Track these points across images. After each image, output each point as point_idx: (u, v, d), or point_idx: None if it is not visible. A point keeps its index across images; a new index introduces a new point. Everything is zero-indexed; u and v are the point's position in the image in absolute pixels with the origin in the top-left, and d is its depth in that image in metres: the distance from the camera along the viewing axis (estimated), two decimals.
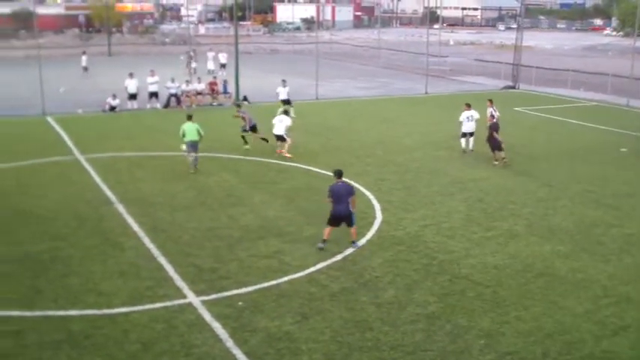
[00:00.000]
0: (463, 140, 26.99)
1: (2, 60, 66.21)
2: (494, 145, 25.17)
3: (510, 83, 50.58)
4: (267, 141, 26.50)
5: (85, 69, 54.15)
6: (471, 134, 26.82)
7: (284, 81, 35.23)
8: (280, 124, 25.89)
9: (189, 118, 23.71)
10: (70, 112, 35.80)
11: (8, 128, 31.09)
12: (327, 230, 16.30)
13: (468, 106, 26.97)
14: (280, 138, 26.01)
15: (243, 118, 26.84)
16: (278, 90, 34.85)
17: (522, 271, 15.22)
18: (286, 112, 27.13)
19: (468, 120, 26.63)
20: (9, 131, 30.36)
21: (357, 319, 12.88)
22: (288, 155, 25.62)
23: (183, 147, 24.23)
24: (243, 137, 26.78)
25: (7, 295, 13.72)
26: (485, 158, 25.66)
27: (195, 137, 23.23)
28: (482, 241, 17.18)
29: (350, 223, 16.33)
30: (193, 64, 51.44)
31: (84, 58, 54.94)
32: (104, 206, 19.64)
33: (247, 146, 26.57)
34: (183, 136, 23.17)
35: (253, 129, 26.91)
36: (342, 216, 16.16)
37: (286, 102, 33.63)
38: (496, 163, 24.99)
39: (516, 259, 15.96)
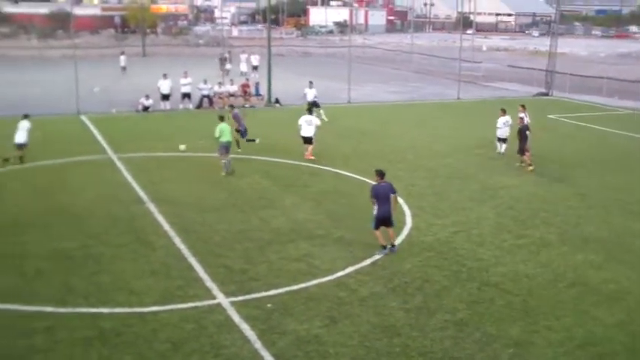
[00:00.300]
0: (498, 144, 27.37)
1: (39, 59, 67.21)
2: (520, 148, 25.27)
3: (543, 90, 50.15)
4: (239, 146, 26.43)
5: (124, 69, 54.74)
6: (504, 140, 26.90)
7: (311, 82, 35.26)
8: (309, 126, 25.72)
9: (222, 119, 23.82)
10: (104, 111, 36.23)
11: (44, 126, 31.38)
12: (378, 235, 16.23)
13: (504, 112, 27.07)
14: (308, 140, 25.89)
15: (235, 120, 26.73)
16: (305, 91, 34.89)
17: (554, 281, 15.07)
18: (310, 112, 26.90)
19: (505, 125, 26.89)
20: (45, 129, 30.66)
21: (386, 324, 12.86)
22: (312, 157, 25.64)
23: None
24: (237, 142, 26.34)
25: (41, 291, 13.92)
26: (519, 166, 25.49)
27: (230, 138, 23.36)
28: (512, 249, 17.04)
29: (390, 224, 16.32)
30: (228, 66, 51.84)
31: (122, 58, 55.64)
32: (136, 205, 19.84)
33: (239, 150, 26.38)
34: (219, 137, 23.23)
35: (238, 132, 26.70)
36: (385, 217, 16.14)
37: (314, 104, 33.41)
38: (531, 168, 24.82)
39: (547, 268, 15.80)
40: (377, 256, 16.03)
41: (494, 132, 27.32)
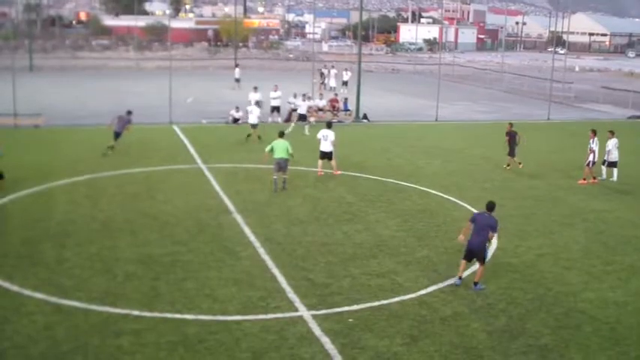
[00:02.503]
0: (605, 169, 26.66)
1: (136, 70, 69.46)
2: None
3: (638, 113, 48.65)
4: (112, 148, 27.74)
5: (238, 80, 55.68)
6: (615, 164, 26.39)
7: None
8: (325, 141, 25.13)
9: (282, 135, 23.54)
10: (195, 122, 37.10)
11: (139, 135, 32.43)
12: (461, 265, 15.41)
13: (612, 134, 26.42)
14: (327, 155, 25.26)
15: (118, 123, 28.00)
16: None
17: None
18: (329, 126, 25.92)
19: (615, 147, 26.24)
20: (140, 138, 31.70)
21: (467, 345, 12.70)
22: (338, 172, 25.37)
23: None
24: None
25: (129, 294, 14.36)
26: (610, 190, 24.84)
27: (284, 155, 22.85)
28: (601, 275, 16.57)
29: (481, 261, 15.27)
30: (327, 81, 53.03)
31: (237, 70, 57.25)
32: (223, 215, 20.23)
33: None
34: (271, 151, 22.94)
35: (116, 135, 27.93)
36: (474, 250, 15.16)
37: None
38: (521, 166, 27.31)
39: (638, 296, 15.28)
40: (456, 283, 15.43)
41: (583, 154, 26.47)
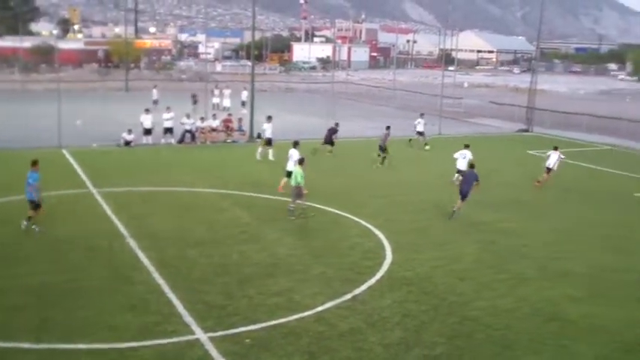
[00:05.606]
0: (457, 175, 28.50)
1: (22, 92, 67.09)
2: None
3: (524, 126, 50.68)
4: None
5: (155, 102, 53.91)
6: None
7: (269, 117, 35.05)
8: (291, 161, 25.16)
9: (302, 162, 23.05)
10: (85, 145, 36.10)
11: (25, 160, 31.26)
12: (458, 203, 23.16)
13: (466, 147, 29.09)
14: (289, 174, 25.09)
15: None
16: (264, 127, 34.64)
17: (532, 315, 15.14)
18: (296, 145, 26.06)
19: (461, 157, 28.64)
20: (26, 163, 30.54)
21: (365, 359, 12.82)
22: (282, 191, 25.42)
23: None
24: None
25: (18, 326, 13.74)
26: (501, 201, 25.69)
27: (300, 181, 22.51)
28: (492, 283, 17.12)
29: (464, 199, 23.06)
30: (214, 100, 52.66)
31: (154, 91, 55.90)
32: (115, 240, 19.70)
33: None
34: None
35: None
36: (464, 193, 23.03)
37: (269, 142, 33.59)
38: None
39: (527, 302, 15.88)
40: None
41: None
